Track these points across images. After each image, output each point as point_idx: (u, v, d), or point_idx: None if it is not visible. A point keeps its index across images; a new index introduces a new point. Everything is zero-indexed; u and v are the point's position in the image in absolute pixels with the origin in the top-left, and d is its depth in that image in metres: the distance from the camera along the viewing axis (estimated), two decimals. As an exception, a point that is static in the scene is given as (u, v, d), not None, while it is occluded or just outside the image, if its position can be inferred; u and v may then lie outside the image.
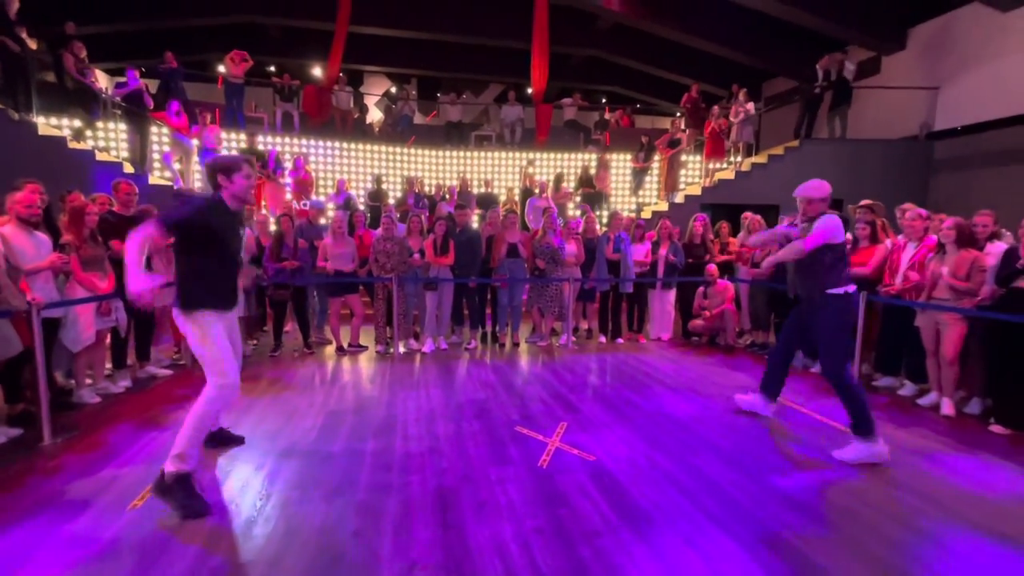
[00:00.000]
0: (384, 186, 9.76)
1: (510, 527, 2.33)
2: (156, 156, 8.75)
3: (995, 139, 8.41)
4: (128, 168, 7.87)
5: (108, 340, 4.24)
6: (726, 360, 5.56)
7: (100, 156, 7.78)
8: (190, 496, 2.40)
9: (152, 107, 8.53)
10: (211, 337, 2.49)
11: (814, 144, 9.55)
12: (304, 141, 10.31)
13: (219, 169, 2.59)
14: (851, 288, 3.19)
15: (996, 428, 3.57)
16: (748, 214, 6.06)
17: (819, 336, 3.22)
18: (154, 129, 8.69)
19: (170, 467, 2.41)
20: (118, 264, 4.22)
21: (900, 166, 9.39)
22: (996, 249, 3.86)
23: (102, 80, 9.24)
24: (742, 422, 3.71)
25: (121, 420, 3.57)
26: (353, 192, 9.54)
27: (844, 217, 3.25)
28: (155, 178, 8.42)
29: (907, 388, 4.44)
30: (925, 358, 4.15)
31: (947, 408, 3.92)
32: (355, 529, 2.30)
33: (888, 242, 4.67)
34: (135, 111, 8.18)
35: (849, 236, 5.03)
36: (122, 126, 8.51)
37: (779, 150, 9.74)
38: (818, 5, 9.49)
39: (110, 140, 8.51)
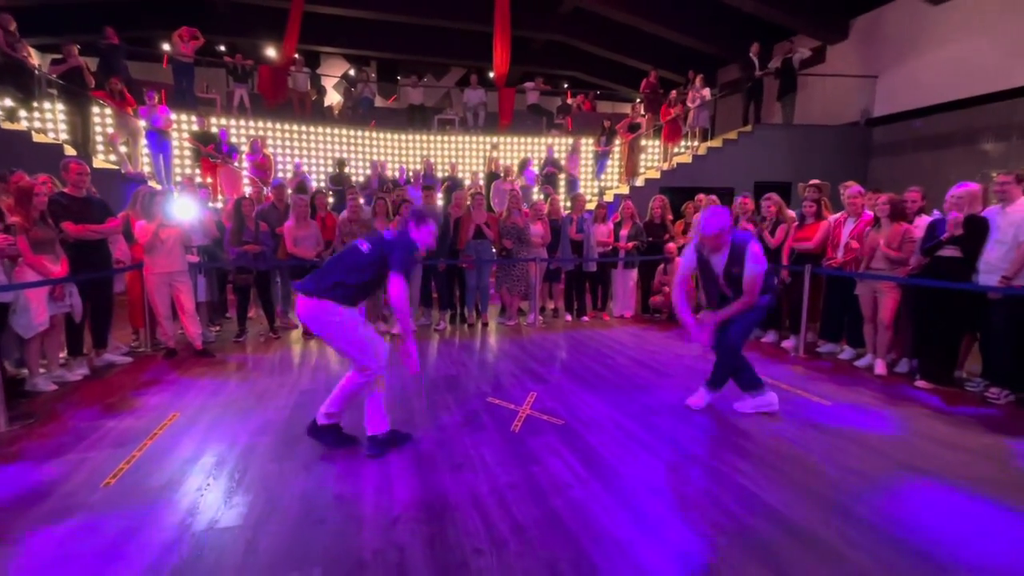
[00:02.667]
0: (347, 170, 9.60)
1: (486, 484, 2.46)
2: (99, 138, 8.29)
3: (927, 124, 9.05)
4: (69, 150, 7.44)
5: (63, 326, 4.08)
6: (684, 333, 5.84)
7: (37, 137, 7.33)
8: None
9: (93, 86, 8.06)
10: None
11: (765, 129, 10.00)
12: (261, 123, 9.98)
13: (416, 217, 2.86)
14: (767, 298, 3.38)
15: (921, 384, 3.96)
16: (701, 196, 6.37)
17: (740, 327, 3.38)
18: (96, 109, 8.21)
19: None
20: (71, 247, 4.07)
21: (843, 149, 9.97)
22: (924, 222, 4.23)
23: (35, 57, 8.60)
24: (698, 386, 3.96)
25: (81, 407, 3.48)
26: (310, 175, 9.34)
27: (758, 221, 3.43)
28: (99, 161, 7.99)
29: (847, 353, 4.82)
30: (862, 324, 4.53)
31: (880, 368, 4.30)
32: (336, 494, 2.38)
33: (831, 218, 5.01)
34: (75, 90, 7.70)
35: (793, 213, 5.39)
36: (60, 106, 8.00)
37: (733, 135, 10.14)
38: (768, -6, 9.88)
39: (47, 121, 8.00)
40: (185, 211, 4.77)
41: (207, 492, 2.39)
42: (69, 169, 4.15)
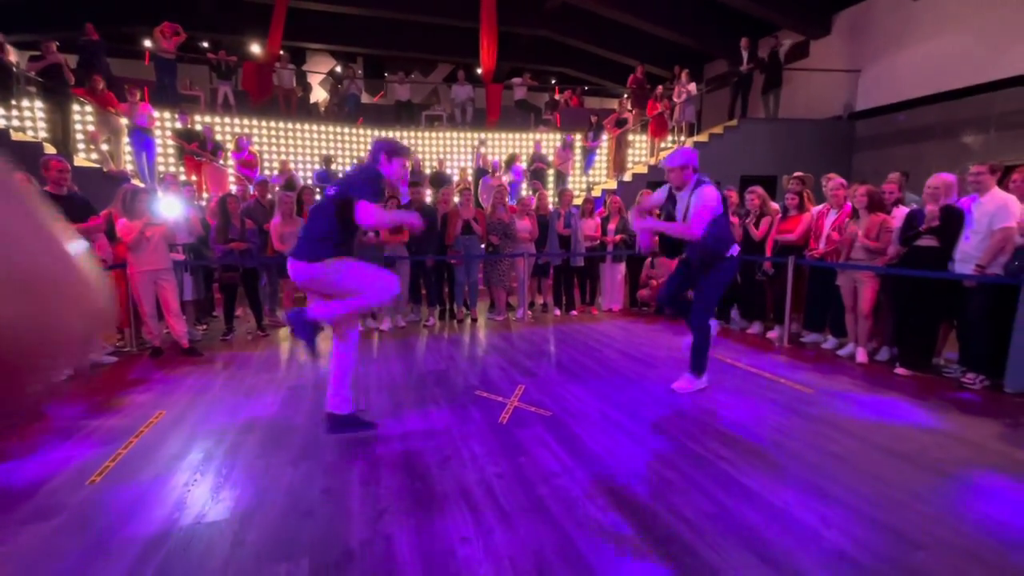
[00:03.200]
0: (334, 167, 9.55)
1: (473, 474, 2.49)
2: (80, 136, 8.16)
3: (908, 118, 9.19)
4: (49, 149, 7.32)
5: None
6: (671, 326, 5.91)
7: (15, 136, 7.20)
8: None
9: (73, 83, 7.93)
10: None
11: (750, 123, 10.09)
12: (246, 121, 9.88)
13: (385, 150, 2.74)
14: (736, 251, 3.48)
15: (900, 371, 4.05)
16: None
17: (704, 291, 3.49)
18: (76, 107, 8.08)
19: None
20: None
21: (827, 143, 10.10)
22: (901, 212, 4.32)
23: (13, 54, 8.43)
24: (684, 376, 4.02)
25: (66, 406, 3.44)
26: (297, 173, 9.27)
27: (717, 182, 3.55)
28: (81, 159, 7.88)
29: (830, 342, 4.91)
30: (844, 314, 4.61)
31: (861, 356, 4.39)
32: (323, 488, 2.39)
33: (813, 210, 5.09)
34: (54, 87, 7.58)
35: (777, 206, 5.47)
36: (39, 104, 7.87)
37: (719, 129, 10.22)
38: (753, -10, 9.96)
39: (26, 119, 7.86)
40: (171, 209, 4.73)
41: (194, 487, 2.39)
42: (49, 167, 4.10)
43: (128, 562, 1.85)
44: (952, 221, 3.84)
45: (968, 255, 3.78)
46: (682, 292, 3.67)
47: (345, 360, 2.90)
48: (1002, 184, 3.85)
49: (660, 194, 3.62)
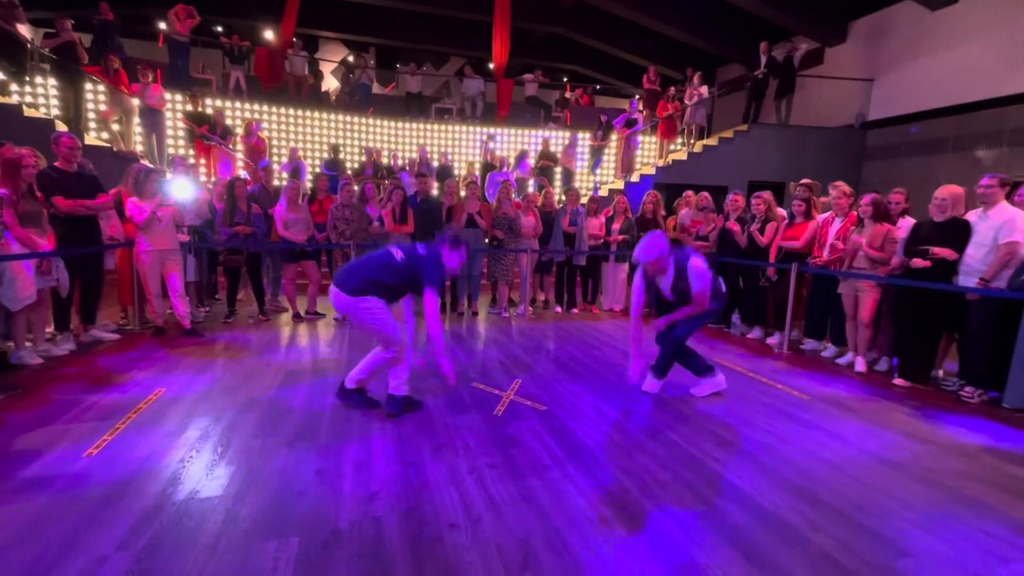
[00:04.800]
0: (341, 155, 9.57)
1: (466, 463, 2.50)
2: (92, 115, 8.21)
3: (920, 129, 9.13)
4: (60, 126, 7.36)
5: (50, 301, 4.08)
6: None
7: (28, 112, 7.24)
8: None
9: (86, 61, 7.97)
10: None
11: (761, 129, 10.04)
12: (256, 106, 9.91)
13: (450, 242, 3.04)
14: (722, 302, 3.63)
15: (899, 381, 4.04)
16: (690, 193, 6.46)
17: (688, 325, 3.56)
18: (89, 86, 8.12)
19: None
20: (61, 222, 4.06)
21: (837, 151, 10.04)
22: (907, 224, 4.29)
23: (27, 31, 8.48)
24: (682, 379, 4.02)
25: (66, 380, 3.49)
26: (305, 162, 9.30)
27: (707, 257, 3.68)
28: (91, 138, 7.92)
29: (829, 350, 4.90)
30: (845, 322, 4.60)
31: (860, 366, 4.38)
32: (317, 469, 2.41)
33: (819, 218, 5.07)
34: (67, 65, 7.61)
35: (784, 212, 5.45)
36: (52, 81, 7.91)
37: (729, 133, 10.18)
38: (769, -6, 9.89)
39: (39, 95, 7.91)
40: (183, 190, 4.76)
41: (189, 464, 2.42)
42: (61, 143, 4.13)
43: (121, 533, 1.88)
44: (959, 233, 3.81)
45: (972, 268, 3.76)
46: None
47: (380, 360, 3.12)
48: (1008, 199, 3.82)
49: (639, 286, 3.60)
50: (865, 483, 2.47)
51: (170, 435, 2.72)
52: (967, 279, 3.78)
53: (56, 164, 4.12)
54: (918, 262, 3.91)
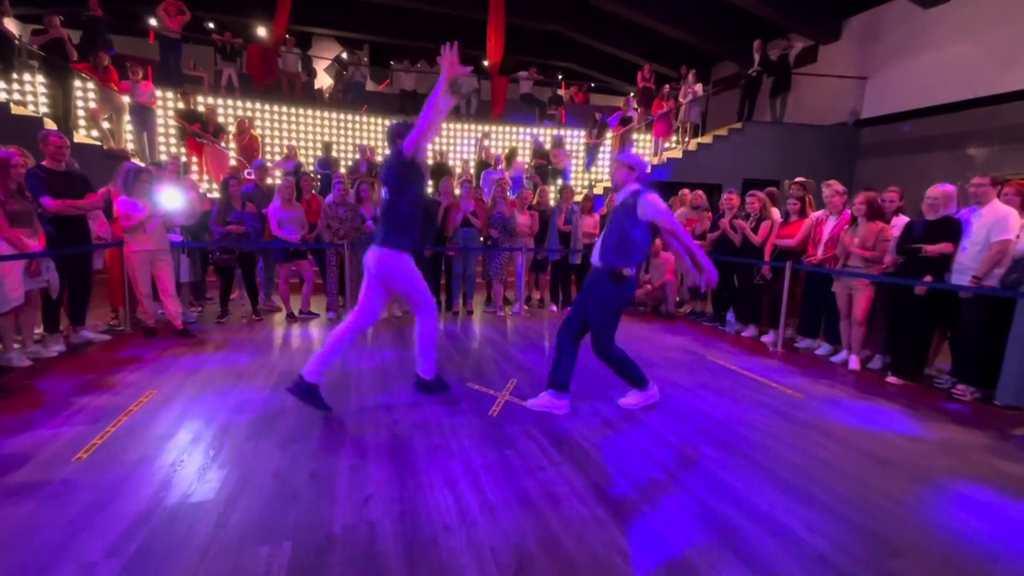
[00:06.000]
0: (334, 153, 9.50)
1: (460, 465, 2.49)
2: (82, 112, 8.11)
3: (913, 127, 9.17)
4: (49, 124, 7.27)
5: (39, 302, 4.02)
6: (666, 326, 5.92)
7: (15, 110, 7.15)
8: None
9: (75, 58, 7.87)
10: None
11: (756, 126, 10.06)
12: (249, 104, 9.82)
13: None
14: (634, 272, 3.10)
15: (892, 379, 4.06)
16: (686, 191, 6.46)
17: (596, 314, 3.15)
18: (78, 83, 8.03)
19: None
20: (51, 222, 4.01)
21: (831, 149, 10.07)
22: (901, 222, 4.31)
23: (14, 27, 8.36)
24: (677, 377, 4.03)
25: (56, 382, 3.44)
26: (302, 160, 9.24)
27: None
28: (81, 136, 7.83)
29: (823, 348, 4.92)
30: (839, 321, 4.62)
31: (854, 364, 4.40)
32: (310, 471, 2.39)
33: (813, 216, 5.08)
34: (56, 62, 7.52)
35: (777, 211, 5.46)
36: (40, 78, 7.81)
37: (723, 131, 10.19)
38: (764, -8, 9.90)
39: (27, 93, 7.81)
40: (171, 200, 4.64)
41: (181, 467, 2.39)
42: (48, 142, 4.07)
43: (111, 538, 1.85)
44: (951, 232, 3.83)
45: (964, 266, 3.78)
46: (580, 326, 3.27)
47: (428, 330, 3.23)
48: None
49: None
50: (859, 481, 2.48)
51: (161, 438, 2.69)
52: (960, 277, 3.80)
53: (44, 163, 4.06)
54: (930, 249, 3.82)
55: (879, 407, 3.54)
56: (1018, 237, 3.57)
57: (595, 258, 3.17)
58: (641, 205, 2.97)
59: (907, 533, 2.08)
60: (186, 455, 2.52)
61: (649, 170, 3.14)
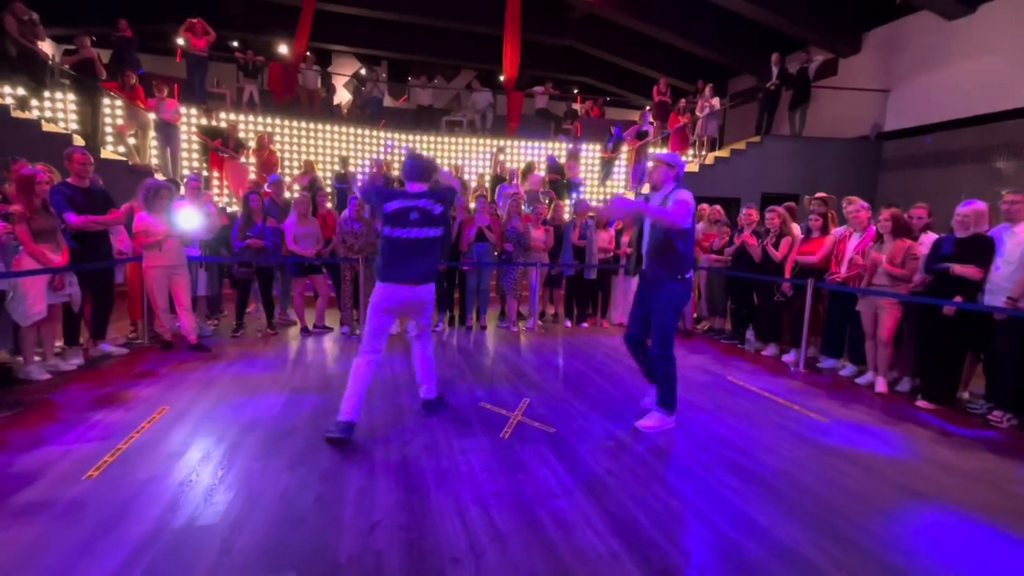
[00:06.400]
0: (352, 168, 9.62)
1: (470, 491, 2.42)
2: (109, 129, 8.36)
3: (938, 140, 8.95)
4: (78, 140, 7.50)
5: (60, 316, 4.09)
6: (684, 343, 5.78)
7: (47, 127, 7.39)
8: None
9: (104, 77, 8.13)
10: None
11: (774, 140, 9.92)
12: (269, 119, 10.02)
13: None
14: (691, 274, 3.25)
15: (922, 404, 3.89)
16: (704, 206, 6.35)
17: (658, 318, 3.22)
18: (106, 101, 8.28)
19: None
20: (74, 237, 4.08)
21: (853, 163, 9.87)
22: (929, 239, 4.16)
23: (48, 47, 8.72)
24: (695, 398, 3.91)
25: (72, 397, 3.47)
26: (320, 174, 9.36)
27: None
28: (108, 152, 8.05)
29: (847, 369, 4.75)
30: (864, 341, 4.46)
31: (881, 386, 4.23)
32: (317, 495, 2.35)
33: (835, 232, 4.95)
34: (86, 81, 7.77)
35: (798, 227, 5.33)
36: (71, 96, 8.08)
37: (741, 145, 10.08)
38: (782, 6, 9.82)
39: (58, 111, 8.08)
40: (189, 221, 4.68)
41: (189, 488, 2.37)
42: (73, 159, 4.17)
43: (115, 564, 1.83)
44: (982, 250, 3.68)
45: (998, 286, 3.62)
46: (647, 329, 3.36)
47: (427, 354, 3.34)
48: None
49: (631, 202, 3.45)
50: (890, 516, 2.35)
51: (172, 456, 2.68)
52: (993, 298, 3.64)
53: (68, 180, 4.16)
54: (960, 269, 3.67)
55: (910, 433, 3.38)
56: (1056, 256, 3.41)
57: (645, 265, 3.33)
58: (669, 202, 3.07)
59: (940, 573, 1.94)
60: (195, 475, 2.49)
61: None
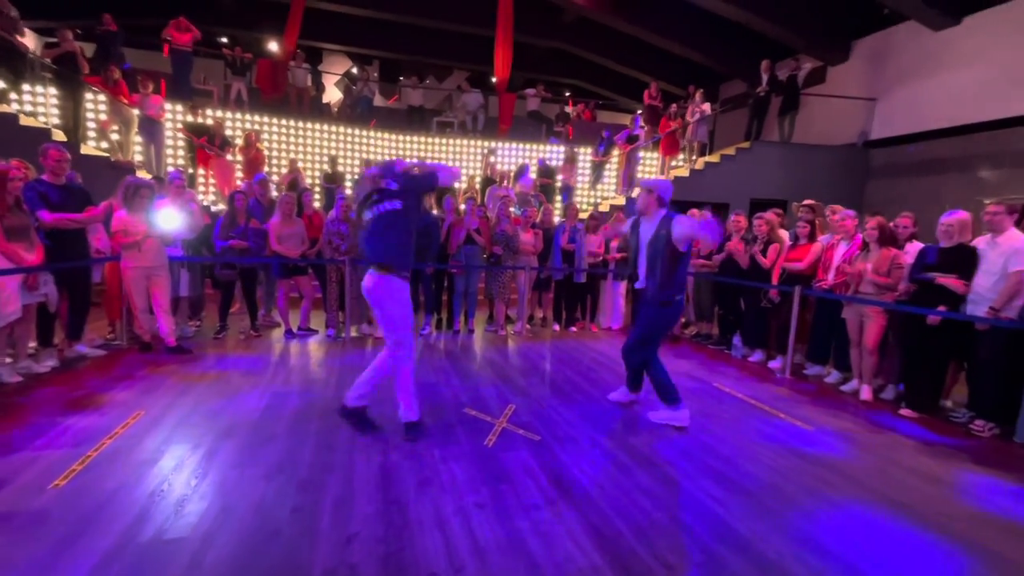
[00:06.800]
0: (340, 168, 9.52)
1: (452, 502, 2.37)
2: (91, 124, 8.18)
3: (923, 150, 9.07)
4: (58, 135, 7.34)
5: (35, 316, 3.97)
6: (671, 349, 5.77)
7: (25, 121, 7.21)
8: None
9: (87, 72, 7.96)
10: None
11: (763, 146, 9.99)
12: (257, 117, 9.89)
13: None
14: (682, 296, 3.49)
15: (905, 412, 3.90)
16: (694, 211, 6.34)
17: (642, 330, 3.48)
18: (89, 96, 8.11)
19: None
20: (49, 236, 3.97)
21: (840, 171, 9.97)
22: (914, 248, 4.19)
23: (30, 40, 8.52)
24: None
25: (43, 401, 3.37)
26: (303, 172, 9.25)
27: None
28: (89, 148, 7.88)
29: (833, 376, 4.77)
30: (850, 348, 4.47)
31: (865, 394, 4.25)
32: (294, 506, 2.29)
33: (823, 240, 4.97)
34: (68, 75, 7.60)
35: (786, 234, 5.35)
36: (52, 90, 7.90)
37: (731, 151, 10.12)
38: (773, 13, 9.90)
39: (38, 104, 7.89)
40: (169, 221, 4.57)
41: (159, 499, 2.29)
42: (48, 155, 4.05)
43: (76, 580, 1.75)
44: (966, 260, 3.71)
45: (981, 296, 3.64)
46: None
47: (406, 373, 3.07)
48: (1018, 225, 3.72)
49: (626, 225, 3.71)
50: (874, 528, 2.34)
51: (144, 464, 2.59)
52: (976, 307, 3.67)
53: (43, 177, 4.04)
54: (943, 279, 3.73)
55: (893, 442, 3.39)
56: (1037, 267, 3.44)
57: (641, 284, 3.45)
58: (675, 238, 3.23)
59: (927, 590, 1.93)
60: (167, 484, 2.42)
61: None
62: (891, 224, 4.31)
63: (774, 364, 5.10)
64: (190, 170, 8.64)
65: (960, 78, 8.48)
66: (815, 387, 4.60)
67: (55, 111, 7.91)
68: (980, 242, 3.78)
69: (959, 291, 3.69)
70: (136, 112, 8.07)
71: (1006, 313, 3.51)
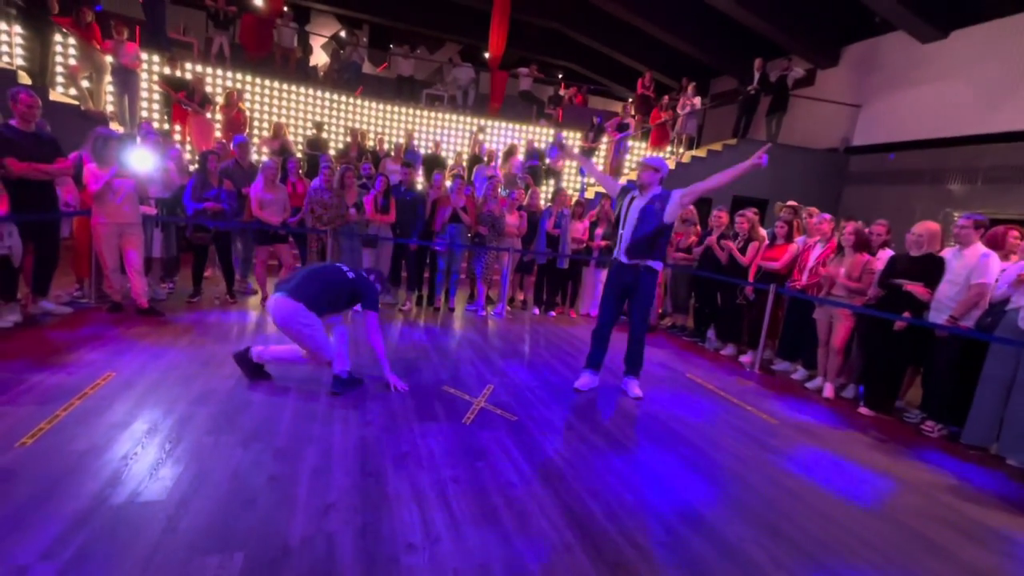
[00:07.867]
0: (324, 135, 9.27)
1: (428, 476, 2.41)
2: (60, 69, 7.74)
3: (899, 159, 9.34)
4: (24, 78, 6.93)
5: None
6: (647, 338, 5.87)
7: (-11, 61, 6.79)
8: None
9: (56, 12, 7.49)
10: None
11: (750, 144, 10.10)
12: (239, 75, 9.50)
13: None
14: (660, 266, 3.86)
15: (863, 410, 4.10)
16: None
17: (640, 302, 3.85)
18: (58, 38, 7.65)
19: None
20: (14, 185, 3.78)
21: (821, 174, 10.20)
22: (886, 255, 4.35)
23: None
24: (654, 393, 4.01)
25: (7, 357, 3.25)
26: (290, 138, 8.98)
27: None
28: (57, 94, 7.48)
29: (799, 373, 4.96)
30: (818, 347, 4.65)
31: (828, 392, 4.44)
32: (271, 474, 2.29)
33: (799, 240, 5.11)
34: (35, 13, 7.14)
35: (764, 232, 5.48)
36: (17, 29, 7.42)
37: (718, 146, 10.24)
38: (769, 12, 9.94)
39: (1, 43, 7.41)
40: (142, 162, 4.44)
41: (132, 462, 2.26)
42: (18, 100, 3.83)
43: (46, 541, 1.73)
44: (932, 269, 3.87)
45: (942, 304, 3.82)
46: (619, 313, 4.08)
47: (343, 334, 3.41)
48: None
49: (616, 189, 4.10)
50: (827, 518, 2.48)
51: (115, 427, 2.55)
52: (937, 315, 3.85)
53: (11, 122, 3.83)
54: (911, 286, 3.92)
55: (850, 438, 3.57)
56: (997, 281, 3.62)
57: (624, 257, 3.76)
58: (668, 210, 3.66)
59: (873, 574, 2.07)
60: (140, 448, 2.39)
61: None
62: (867, 230, 4.45)
63: (745, 358, 5.27)
64: (165, 126, 8.29)
65: (941, 92, 8.72)
66: (781, 382, 4.78)
67: (20, 52, 7.46)
68: (947, 253, 3.94)
69: (924, 299, 3.86)
70: (109, 59, 7.66)
71: (964, 322, 3.70)
